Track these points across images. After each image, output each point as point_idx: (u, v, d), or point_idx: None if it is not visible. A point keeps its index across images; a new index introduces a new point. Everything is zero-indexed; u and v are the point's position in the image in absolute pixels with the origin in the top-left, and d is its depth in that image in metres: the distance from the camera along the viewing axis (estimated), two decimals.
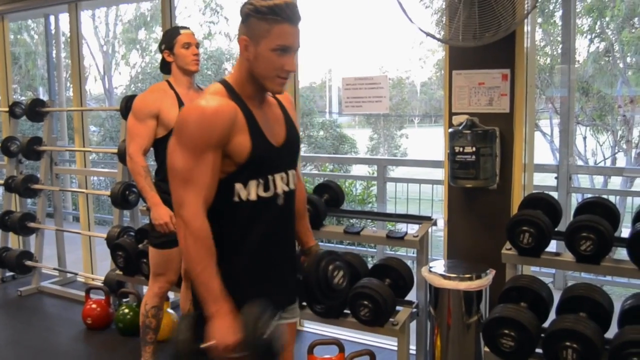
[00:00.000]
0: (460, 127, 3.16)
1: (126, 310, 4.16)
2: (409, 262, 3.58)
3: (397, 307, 3.20)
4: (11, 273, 5.47)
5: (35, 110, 5.20)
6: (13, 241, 5.64)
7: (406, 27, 3.13)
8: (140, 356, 3.42)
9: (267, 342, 1.73)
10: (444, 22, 3.07)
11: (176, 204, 1.78)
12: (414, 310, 3.25)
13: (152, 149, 3.17)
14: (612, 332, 2.62)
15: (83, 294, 4.49)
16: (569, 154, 4.90)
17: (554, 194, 4.41)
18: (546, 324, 2.68)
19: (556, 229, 2.96)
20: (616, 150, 9.92)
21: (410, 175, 7.80)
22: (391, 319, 3.11)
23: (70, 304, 4.83)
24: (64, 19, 6.14)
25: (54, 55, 7.47)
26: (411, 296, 3.34)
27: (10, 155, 5.32)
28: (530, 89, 3.23)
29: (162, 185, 3.04)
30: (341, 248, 5.88)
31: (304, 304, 3.24)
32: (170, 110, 3.08)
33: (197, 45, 3.23)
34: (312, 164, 10.40)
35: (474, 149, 3.09)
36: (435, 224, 3.40)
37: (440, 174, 3.57)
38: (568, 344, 2.44)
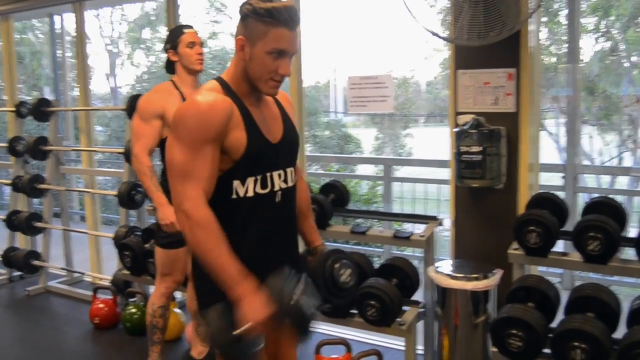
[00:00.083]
0: (466, 127, 3.15)
1: (133, 310, 4.16)
2: (415, 262, 3.58)
3: (404, 307, 3.20)
4: (19, 273, 5.48)
5: (41, 110, 5.21)
6: (20, 241, 5.65)
7: (411, 26, 3.13)
8: (148, 356, 3.43)
9: (298, 306, 1.73)
10: (448, 21, 3.06)
11: (176, 200, 1.78)
12: (421, 310, 3.25)
13: (158, 149, 3.17)
14: (620, 332, 2.61)
15: (90, 293, 4.50)
16: (575, 154, 4.89)
17: (561, 194, 4.39)
18: (554, 324, 2.68)
19: (563, 229, 2.96)
20: (623, 150, 9.88)
21: (416, 174, 7.79)
22: (398, 319, 3.11)
23: (78, 304, 4.85)
24: (69, 18, 6.16)
25: (59, 55, 7.48)
26: (418, 296, 3.34)
27: (17, 155, 5.33)
28: (536, 88, 3.23)
29: (168, 185, 3.03)
30: (347, 248, 5.87)
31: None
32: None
33: (202, 45, 3.23)
34: (318, 164, 10.39)
35: (480, 148, 3.09)
36: (441, 223, 3.39)
37: (445, 173, 3.57)
38: (576, 344, 2.44)
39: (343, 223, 4.05)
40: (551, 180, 5.14)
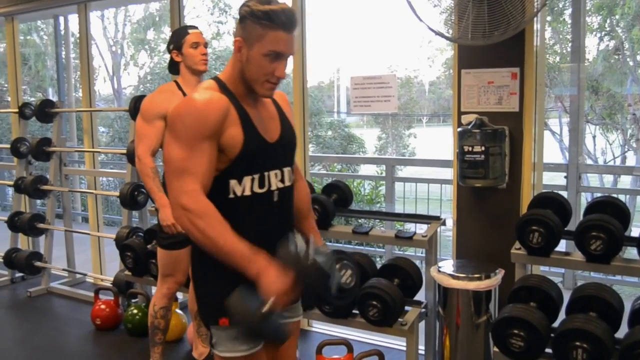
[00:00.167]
0: (469, 127, 3.14)
1: (135, 311, 4.17)
2: (417, 262, 3.57)
3: (406, 307, 3.19)
4: (21, 274, 5.49)
5: (45, 111, 5.22)
6: (23, 242, 5.66)
7: (415, 26, 3.12)
8: (149, 357, 3.43)
9: (317, 265, 1.72)
10: (452, 20, 3.05)
11: (173, 196, 1.76)
12: (423, 310, 3.24)
13: (160, 150, 3.17)
14: (622, 332, 2.60)
15: (92, 294, 4.50)
16: (578, 153, 4.88)
17: (564, 193, 4.39)
18: (556, 324, 2.66)
19: (566, 229, 2.94)
20: (626, 149, 9.86)
21: (419, 174, 7.79)
22: (400, 319, 3.10)
23: (80, 305, 4.85)
24: (73, 19, 6.16)
25: (63, 56, 7.49)
26: (420, 296, 3.33)
27: (20, 156, 5.34)
28: (540, 87, 3.21)
29: None
30: (350, 248, 5.88)
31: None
32: None
33: (206, 45, 3.23)
34: (321, 164, 10.40)
35: (483, 148, 3.08)
36: (444, 223, 3.39)
37: (448, 173, 3.56)
38: (578, 343, 2.42)
39: (345, 223, 4.05)
40: (554, 179, 5.12)
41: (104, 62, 15.25)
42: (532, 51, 3.11)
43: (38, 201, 5.66)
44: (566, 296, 2.81)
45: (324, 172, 9.46)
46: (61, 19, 6.85)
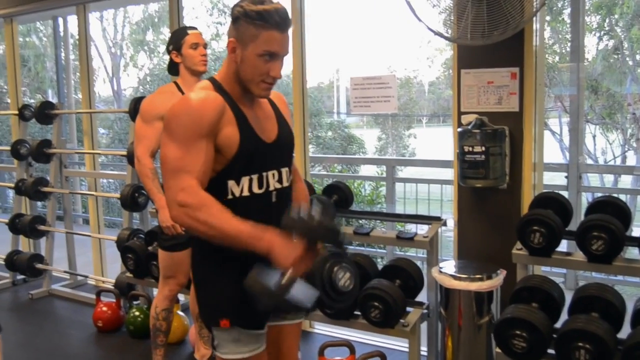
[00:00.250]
0: (469, 127, 3.14)
1: (137, 313, 4.16)
2: (418, 263, 3.57)
3: (408, 308, 3.19)
4: (22, 276, 5.48)
5: (45, 113, 5.22)
6: (24, 244, 5.66)
7: (414, 26, 3.12)
8: (151, 359, 3.42)
9: (325, 224, 1.73)
10: (451, 20, 3.05)
11: (170, 194, 1.75)
12: (425, 311, 3.24)
13: (159, 151, 3.16)
14: (624, 332, 2.60)
15: (94, 296, 4.50)
16: (578, 153, 4.87)
17: (564, 193, 4.39)
18: (558, 325, 2.66)
19: (567, 229, 2.94)
20: (626, 149, 9.86)
21: (419, 175, 7.79)
22: (402, 320, 3.10)
23: (81, 307, 4.85)
24: (72, 21, 6.17)
25: (62, 58, 7.50)
26: (421, 297, 3.33)
27: (20, 158, 5.34)
28: (540, 87, 3.21)
29: None
30: (351, 249, 5.86)
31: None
32: None
33: (205, 46, 3.22)
34: (321, 165, 10.40)
35: (483, 148, 3.07)
36: (445, 224, 3.38)
37: (449, 173, 3.56)
38: (580, 344, 2.42)
39: (346, 224, 4.04)
40: (554, 179, 5.12)
41: (104, 63, 15.27)
42: (531, 51, 3.11)
43: (39, 203, 5.66)
44: (568, 296, 2.81)
45: (325, 173, 9.45)
46: (60, 20, 6.87)
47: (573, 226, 2.95)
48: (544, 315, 2.64)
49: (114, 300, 4.35)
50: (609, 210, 2.84)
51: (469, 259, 3.32)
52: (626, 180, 9.38)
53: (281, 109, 2.05)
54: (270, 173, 1.91)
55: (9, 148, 5.40)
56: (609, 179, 9.11)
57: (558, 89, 9.51)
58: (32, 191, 5.15)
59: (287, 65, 1.89)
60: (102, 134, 13.61)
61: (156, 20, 14.60)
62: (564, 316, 2.73)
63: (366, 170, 10.87)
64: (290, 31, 1.83)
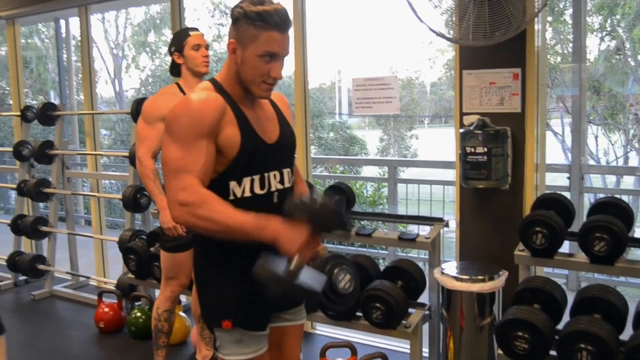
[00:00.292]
0: (471, 127, 3.14)
1: (138, 314, 4.16)
2: (420, 264, 3.57)
3: (410, 310, 3.18)
4: (24, 277, 5.49)
5: (47, 114, 5.22)
6: (26, 245, 5.67)
7: (416, 27, 3.12)
8: None
9: (328, 206, 1.72)
10: (453, 21, 3.05)
11: (172, 194, 1.74)
12: (427, 312, 3.24)
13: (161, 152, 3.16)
14: (627, 333, 2.59)
15: (95, 297, 4.50)
16: (580, 154, 4.87)
17: (566, 194, 4.38)
18: (560, 326, 2.66)
19: (569, 230, 2.94)
20: (628, 149, 9.85)
21: (421, 176, 7.79)
22: (403, 322, 3.10)
23: (83, 308, 4.85)
24: (74, 22, 6.18)
25: (64, 59, 7.51)
26: (423, 298, 3.33)
27: (23, 160, 5.34)
28: (541, 88, 3.21)
29: None
30: (352, 250, 5.87)
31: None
32: None
33: (207, 47, 3.23)
34: (323, 166, 10.40)
35: (485, 149, 3.07)
36: (447, 225, 3.38)
37: (451, 174, 3.56)
38: (582, 346, 2.42)
39: None
40: (556, 180, 5.12)
41: (105, 64, 15.31)
42: (533, 52, 3.11)
43: (41, 204, 5.66)
44: (570, 297, 2.81)
45: (326, 174, 9.45)
46: (62, 22, 6.88)
47: (575, 227, 2.95)
48: (546, 316, 2.64)
49: (116, 301, 4.35)
50: (611, 211, 2.84)
51: (471, 260, 3.32)
52: (628, 181, 9.38)
53: (283, 109, 2.05)
54: (271, 174, 1.91)
55: (11, 149, 5.41)
56: (611, 179, 9.10)
57: (560, 90, 9.51)
58: (34, 192, 5.16)
59: (289, 67, 1.89)
60: (104, 135, 13.63)
61: (158, 21, 14.63)
62: (566, 317, 2.72)
63: (368, 171, 10.86)
64: (290, 32, 1.83)
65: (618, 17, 9.20)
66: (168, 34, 13.73)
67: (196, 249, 2.00)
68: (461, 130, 3.20)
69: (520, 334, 2.58)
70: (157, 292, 3.60)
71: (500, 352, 2.69)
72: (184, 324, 4.06)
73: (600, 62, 9.50)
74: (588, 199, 5.62)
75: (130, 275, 4.19)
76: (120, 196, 4.57)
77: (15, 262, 5.31)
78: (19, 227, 5.30)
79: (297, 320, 2.10)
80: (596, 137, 10.00)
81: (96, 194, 5.41)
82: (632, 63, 9.48)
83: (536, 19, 3.03)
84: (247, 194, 1.86)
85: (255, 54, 1.78)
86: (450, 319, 3.04)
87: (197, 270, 2.00)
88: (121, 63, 15.62)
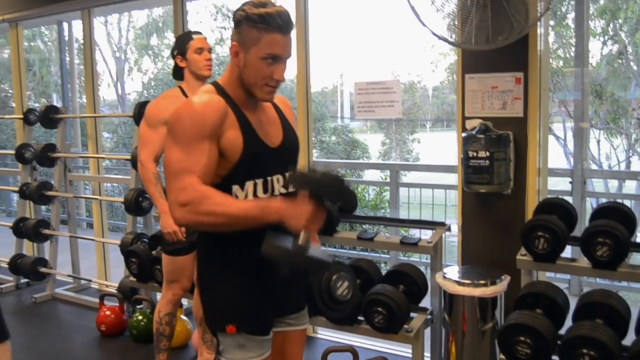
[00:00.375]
0: (473, 132, 3.14)
1: (140, 317, 4.16)
2: (422, 268, 3.56)
3: (411, 314, 3.18)
4: (26, 280, 5.49)
5: (49, 117, 5.23)
6: (27, 248, 5.67)
7: (418, 31, 3.12)
8: None
9: (328, 176, 1.72)
10: (456, 25, 3.05)
11: (173, 197, 1.73)
12: (429, 316, 3.23)
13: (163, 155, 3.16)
14: (629, 339, 2.58)
15: (97, 300, 4.50)
16: (583, 158, 4.86)
17: (569, 199, 4.38)
18: (562, 331, 2.65)
19: (571, 234, 2.93)
20: (630, 154, 9.84)
21: (423, 180, 7.78)
22: (405, 326, 3.09)
23: (84, 311, 4.85)
24: (77, 25, 6.18)
25: (67, 62, 7.52)
26: (425, 303, 3.32)
27: (25, 162, 5.35)
28: (544, 92, 3.21)
29: None
30: (354, 254, 5.86)
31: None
32: None
33: (210, 51, 3.22)
34: None
35: (487, 153, 3.07)
36: (449, 229, 3.38)
37: (453, 178, 3.55)
38: (585, 351, 2.41)
39: (350, 229, 4.04)
40: (559, 185, 5.11)
41: (108, 67, 15.33)
42: (535, 56, 3.11)
43: (43, 207, 5.66)
44: (572, 302, 2.80)
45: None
46: (65, 25, 6.88)
47: (577, 232, 2.94)
48: (548, 321, 2.63)
49: (117, 305, 4.35)
50: (614, 216, 2.84)
51: (473, 264, 3.31)
52: (631, 186, 9.36)
53: (286, 113, 2.04)
54: (275, 178, 1.91)
55: (13, 152, 5.41)
56: (613, 184, 9.08)
57: (562, 94, 9.50)
58: (36, 195, 5.16)
59: (291, 70, 1.88)
60: (107, 138, 13.64)
61: (160, 24, 14.66)
62: (568, 322, 2.72)
63: (370, 175, 10.86)
64: (293, 35, 1.83)
65: (620, 21, 9.19)
66: (170, 37, 13.76)
67: (200, 252, 1.99)
68: (463, 135, 3.20)
69: (522, 338, 2.57)
70: (159, 295, 3.60)
71: (502, 357, 2.69)
72: (186, 327, 4.06)
73: (602, 66, 9.49)
74: (590, 204, 5.61)
75: (131, 278, 4.19)
76: (122, 199, 4.57)
77: (17, 265, 5.32)
78: (20, 229, 5.30)
79: (300, 325, 2.10)
80: (598, 142, 9.98)
81: (98, 197, 5.41)
82: (635, 67, 9.48)
83: (539, 23, 3.03)
84: (250, 198, 1.85)
85: (258, 57, 1.77)
86: (452, 323, 3.03)
87: (200, 274, 1.98)
88: (124, 66, 15.64)
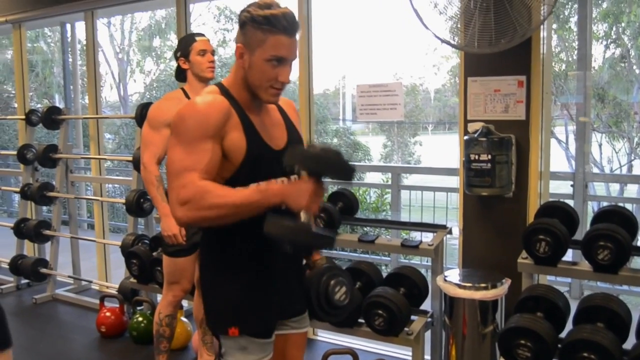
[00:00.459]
0: (475, 135, 3.14)
1: (140, 319, 4.16)
2: (423, 271, 3.56)
3: (412, 317, 3.18)
4: (26, 280, 5.49)
5: (51, 118, 5.23)
6: (28, 249, 5.67)
7: (421, 33, 3.12)
8: None
9: (329, 152, 1.72)
10: (459, 28, 3.05)
11: (174, 197, 1.72)
12: (429, 319, 3.23)
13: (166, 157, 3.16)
14: (630, 342, 2.58)
15: (97, 301, 4.50)
16: (584, 162, 4.85)
17: (570, 202, 4.37)
18: (563, 334, 2.65)
19: (573, 238, 2.93)
20: (632, 158, 9.83)
21: (424, 182, 7.78)
22: (406, 329, 3.09)
23: (85, 312, 4.85)
24: (80, 27, 6.19)
25: (70, 63, 7.52)
26: (426, 305, 3.32)
27: (26, 163, 5.36)
28: (546, 95, 3.21)
29: None
30: (355, 256, 5.86)
31: None
32: None
33: (213, 53, 3.22)
34: None
35: (489, 156, 3.06)
36: (450, 232, 3.37)
37: (454, 181, 3.55)
38: (585, 354, 2.41)
39: (351, 231, 4.03)
40: (560, 188, 5.10)
41: (111, 69, 15.34)
42: (538, 59, 3.11)
43: (44, 208, 5.66)
44: (573, 306, 2.80)
45: (330, 180, 9.43)
46: (68, 26, 6.89)
47: (579, 235, 2.94)
48: (549, 324, 2.63)
49: (118, 306, 4.35)
50: (615, 219, 2.83)
51: (474, 267, 3.31)
52: (632, 189, 9.35)
53: (290, 115, 2.03)
54: (279, 180, 1.89)
55: (15, 152, 5.42)
56: (615, 188, 9.07)
57: (565, 97, 9.50)
58: (37, 196, 5.17)
59: (294, 72, 1.87)
60: (109, 139, 13.65)
61: (163, 26, 14.66)
62: (569, 326, 2.71)
63: (371, 177, 10.84)
64: (298, 36, 1.82)
65: (623, 24, 9.19)
66: (173, 39, 13.77)
67: (202, 254, 1.98)
68: (465, 137, 3.19)
69: (522, 342, 2.57)
70: (159, 297, 3.60)
71: None
72: (186, 329, 4.06)
73: (605, 70, 9.48)
74: (592, 207, 5.60)
75: (132, 279, 4.19)
76: (123, 200, 4.57)
77: (17, 266, 5.32)
78: (21, 230, 5.30)
79: (301, 328, 2.09)
80: (600, 145, 9.97)
81: (99, 198, 5.41)
82: (637, 71, 9.47)
83: (541, 27, 3.03)
84: None
85: (263, 58, 1.77)
86: (453, 326, 3.03)
87: (202, 276, 1.97)
88: (126, 67, 15.66)
